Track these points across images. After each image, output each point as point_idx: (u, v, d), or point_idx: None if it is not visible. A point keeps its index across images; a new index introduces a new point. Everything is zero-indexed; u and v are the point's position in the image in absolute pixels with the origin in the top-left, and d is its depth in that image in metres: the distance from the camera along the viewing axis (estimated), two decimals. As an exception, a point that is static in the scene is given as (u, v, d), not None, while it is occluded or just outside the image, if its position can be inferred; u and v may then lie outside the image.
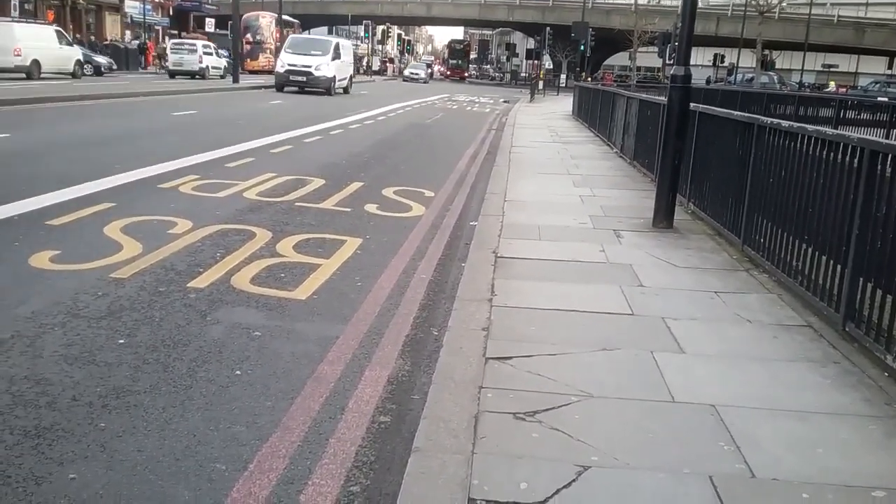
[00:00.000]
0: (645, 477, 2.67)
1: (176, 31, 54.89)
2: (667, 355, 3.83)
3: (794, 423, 3.13)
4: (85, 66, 29.86)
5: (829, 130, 4.71)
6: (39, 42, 25.05)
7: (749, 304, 4.76)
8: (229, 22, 39.50)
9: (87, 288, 4.54)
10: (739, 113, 6.55)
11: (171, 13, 55.16)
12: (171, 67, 34.20)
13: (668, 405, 3.27)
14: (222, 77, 35.71)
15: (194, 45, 36.21)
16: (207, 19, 54.13)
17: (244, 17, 45.12)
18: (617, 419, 3.11)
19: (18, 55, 24.14)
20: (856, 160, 4.18)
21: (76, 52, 28.70)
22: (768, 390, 3.47)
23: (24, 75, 24.09)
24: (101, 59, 34.01)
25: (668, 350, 3.91)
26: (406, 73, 65.81)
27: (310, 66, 28.33)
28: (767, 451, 2.88)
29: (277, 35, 47.57)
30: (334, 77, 29.42)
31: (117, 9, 48.01)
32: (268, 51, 47.67)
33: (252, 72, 40.54)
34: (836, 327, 4.23)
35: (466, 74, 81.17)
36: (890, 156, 3.85)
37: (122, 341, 3.80)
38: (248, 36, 46.79)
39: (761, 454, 2.85)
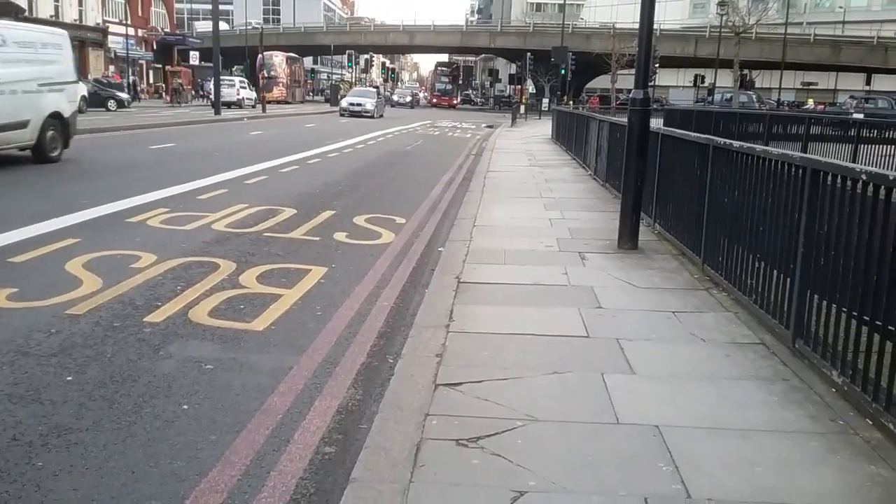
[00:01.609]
0: (580, 501, 2.67)
1: (160, 65, 55.25)
2: (617, 377, 3.84)
3: (736, 442, 3.14)
4: (109, 102, 34.73)
5: (774, 150, 4.79)
6: None
7: (706, 323, 4.79)
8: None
9: (41, 325, 4.52)
10: (696, 134, 6.64)
11: (154, 47, 55.45)
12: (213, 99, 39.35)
13: (612, 427, 3.27)
14: (253, 107, 43.80)
15: (233, 80, 45.99)
16: (192, 52, 54.59)
17: (260, 55, 53.73)
18: (559, 443, 3.11)
19: None
20: (799, 178, 4.24)
21: (81, 88, 29.43)
22: (714, 409, 3.48)
23: None
24: (124, 95, 37.75)
25: (618, 372, 3.92)
26: (343, 104, 42.04)
27: None
28: (705, 472, 2.89)
29: (288, 71, 59.25)
30: None
31: (101, 44, 48.24)
32: (281, 84, 57.18)
33: (267, 102, 44.85)
34: (788, 344, 4.26)
35: (456, 101, 71.48)
36: (830, 174, 3.91)
37: (69, 378, 3.78)
38: (264, 72, 52.68)
39: (699, 474, 2.86)
